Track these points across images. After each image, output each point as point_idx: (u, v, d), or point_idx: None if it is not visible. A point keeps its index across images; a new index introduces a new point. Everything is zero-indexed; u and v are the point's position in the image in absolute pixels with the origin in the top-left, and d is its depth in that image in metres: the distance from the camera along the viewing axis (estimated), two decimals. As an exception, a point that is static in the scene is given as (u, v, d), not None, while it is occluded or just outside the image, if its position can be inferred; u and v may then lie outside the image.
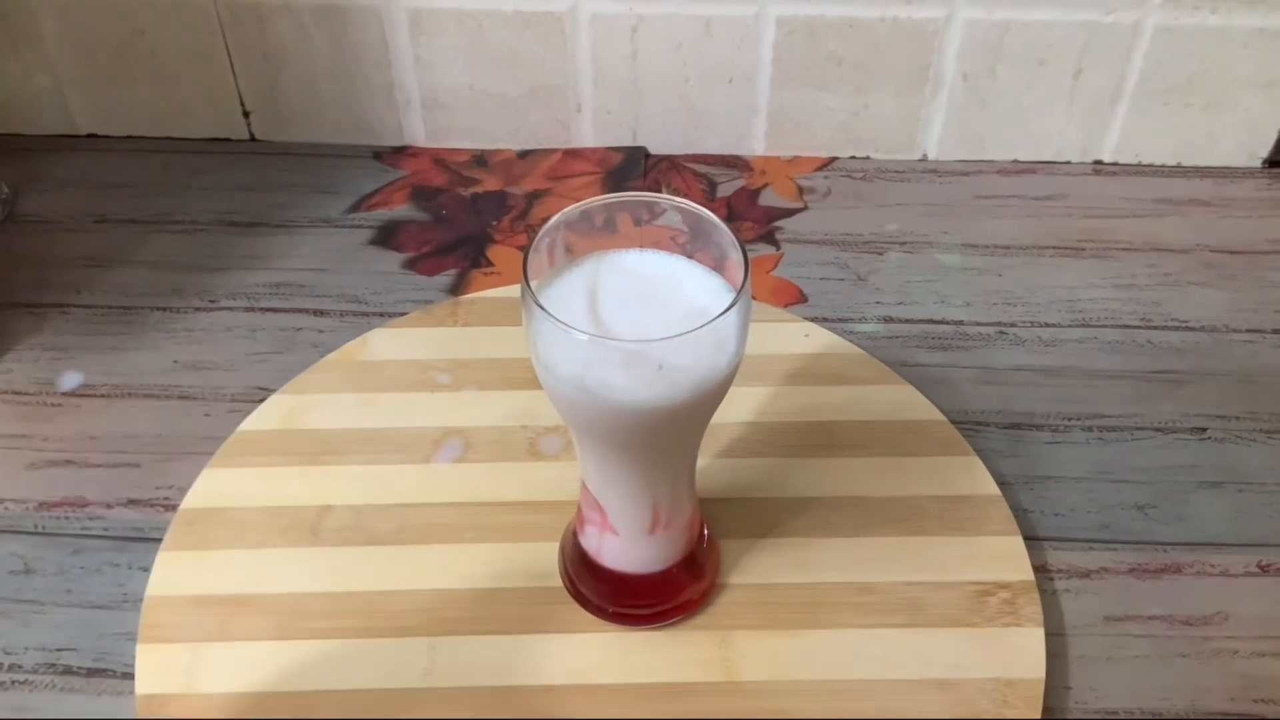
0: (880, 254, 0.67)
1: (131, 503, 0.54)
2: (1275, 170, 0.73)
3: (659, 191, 0.70)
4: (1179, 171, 0.73)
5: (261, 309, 0.63)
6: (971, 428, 0.57)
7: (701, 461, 0.47)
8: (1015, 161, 0.73)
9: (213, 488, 0.53)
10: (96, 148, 0.73)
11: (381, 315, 0.62)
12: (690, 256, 0.41)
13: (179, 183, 0.71)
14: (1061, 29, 0.67)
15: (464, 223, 0.69)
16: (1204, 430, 0.57)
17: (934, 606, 0.49)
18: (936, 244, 0.68)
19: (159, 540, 0.51)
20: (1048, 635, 0.48)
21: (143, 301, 0.63)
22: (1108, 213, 0.70)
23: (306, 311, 0.63)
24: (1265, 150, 0.72)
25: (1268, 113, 0.70)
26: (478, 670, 0.47)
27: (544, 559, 0.50)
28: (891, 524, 0.52)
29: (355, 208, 0.70)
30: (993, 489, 0.53)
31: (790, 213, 0.70)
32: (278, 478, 0.53)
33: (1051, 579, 0.51)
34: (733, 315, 0.37)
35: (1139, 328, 0.63)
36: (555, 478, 0.53)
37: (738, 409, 0.56)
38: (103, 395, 0.59)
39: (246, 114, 0.73)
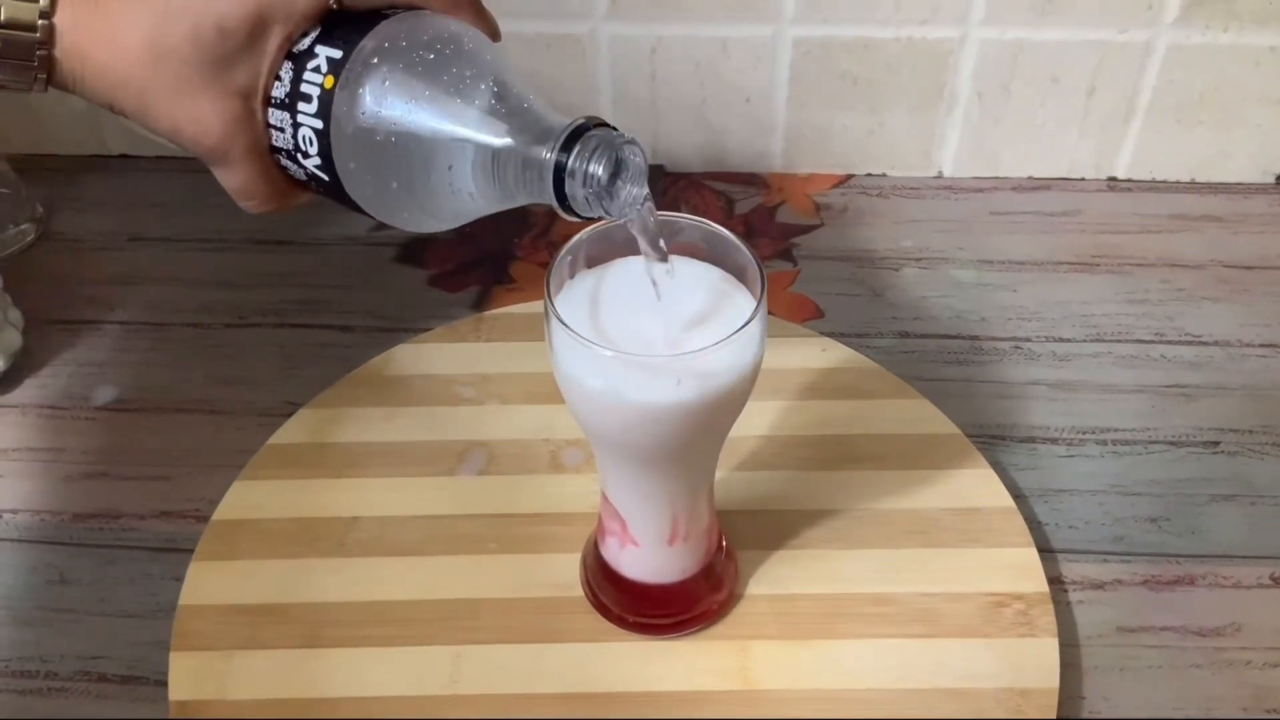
0: (896, 270, 0.68)
1: (164, 514, 0.55)
2: (1289, 186, 0.73)
3: (678, 210, 0.71)
4: (1192, 188, 0.73)
5: (290, 325, 0.65)
6: (986, 441, 0.58)
7: (720, 474, 0.48)
8: (1030, 178, 0.74)
9: (243, 500, 0.54)
10: (128, 168, 0.75)
11: (406, 331, 0.63)
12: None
13: (209, 202, 0.72)
14: (1075, 48, 0.68)
15: (487, 240, 0.70)
16: (1217, 444, 0.58)
17: (949, 617, 0.49)
18: (952, 260, 0.69)
19: (191, 551, 0.52)
20: (1062, 645, 0.48)
21: (174, 318, 0.65)
22: (1122, 228, 0.71)
23: (333, 327, 0.64)
24: (1278, 167, 0.73)
25: (1280, 129, 0.71)
26: (501, 678, 0.48)
27: (566, 569, 0.51)
28: (907, 536, 0.52)
29: (381, 226, 0.71)
30: (1007, 501, 0.54)
31: (807, 229, 0.71)
32: (306, 490, 0.55)
33: (1066, 590, 0.52)
34: (751, 330, 0.38)
35: (1153, 342, 0.63)
36: (576, 490, 0.54)
37: (756, 422, 0.57)
38: (135, 410, 0.60)
39: (274, 134, 0.74)
